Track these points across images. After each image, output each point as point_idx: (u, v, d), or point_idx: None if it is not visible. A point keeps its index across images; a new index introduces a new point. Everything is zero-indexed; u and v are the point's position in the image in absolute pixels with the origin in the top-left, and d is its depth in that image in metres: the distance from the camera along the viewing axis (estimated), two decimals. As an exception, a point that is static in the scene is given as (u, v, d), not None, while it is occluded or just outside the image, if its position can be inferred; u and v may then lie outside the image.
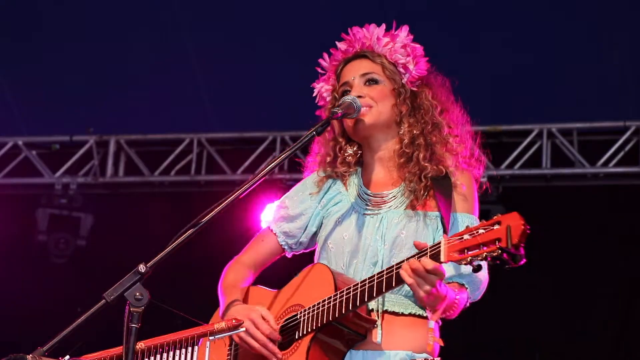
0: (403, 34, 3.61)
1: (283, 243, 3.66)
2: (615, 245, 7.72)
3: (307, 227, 3.63)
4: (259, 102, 8.09)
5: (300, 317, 3.33)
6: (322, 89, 3.71)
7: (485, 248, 2.88)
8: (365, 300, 3.21)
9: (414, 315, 3.39)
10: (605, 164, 7.91)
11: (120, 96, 8.17)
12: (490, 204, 7.64)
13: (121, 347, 2.88)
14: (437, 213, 3.43)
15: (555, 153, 8.03)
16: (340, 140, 3.64)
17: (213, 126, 8.45)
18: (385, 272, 3.18)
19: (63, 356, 3.06)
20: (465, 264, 2.95)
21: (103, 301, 2.90)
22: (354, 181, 3.61)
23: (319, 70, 3.74)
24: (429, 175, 3.46)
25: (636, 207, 7.66)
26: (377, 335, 3.32)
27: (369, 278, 3.21)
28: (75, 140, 8.70)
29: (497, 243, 2.85)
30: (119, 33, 7.95)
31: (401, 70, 3.59)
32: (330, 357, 3.31)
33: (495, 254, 2.85)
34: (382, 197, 3.52)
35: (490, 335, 7.79)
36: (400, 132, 3.56)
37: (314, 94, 3.74)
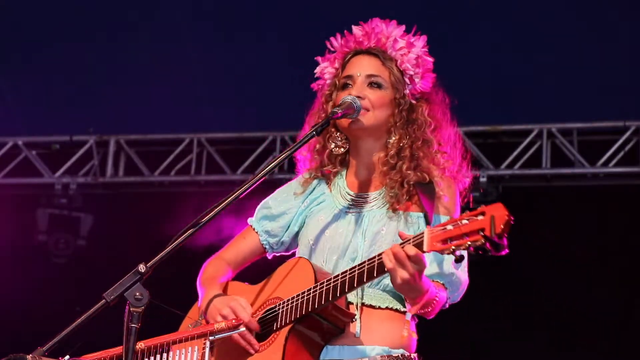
0: (420, 44, 3.57)
1: (264, 242, 3.63)
2: (615, 245, 7.72)
3: (289, 226, 3.61)
4: (259, 102, 8.09)
5: (279, 309, 3.32)
6: (325, 68, 3.66)
7: (467, 238, 2.88)
8: (346, 290, 3.20)
9: (391, 309, 3.38)
10: (605, 164, 7.91)
11: (120, 96, 8.17)
12: (490, 204, 7.64)
13: (121, 347, 2.88)
14: (419, 214, 3.44)
15: (555, 153, 8.03)
16: (332, 129, 3.61)
17: (213, 126, 8.46)
18: (366, 263, 3.17)
19: (63, 356, 3.06)
20: (448, 254, 2.94)
21: (103, 301, 2.90)
22: (338, 183, 3.60)
23: (329, 46, 3.66)
24: (412, 182, 3.46)
25: (636, 207, 7.66)
26: (355, 328, 3.32)
27: (350, 269, 3.20)
28: (75, 140, 8.71)
29: (480, 233, 2.86)
30: (119, 33, 7.96)
31: (407, 80, 3.56)
32: (307, 350, 3.30)
33: (478, 243, 2.86)
34: (364, 198, 3.54)
35: (489, 330, 7.79)
36: (389, 141, 3.55)
37: (316, 70, 3.68)
